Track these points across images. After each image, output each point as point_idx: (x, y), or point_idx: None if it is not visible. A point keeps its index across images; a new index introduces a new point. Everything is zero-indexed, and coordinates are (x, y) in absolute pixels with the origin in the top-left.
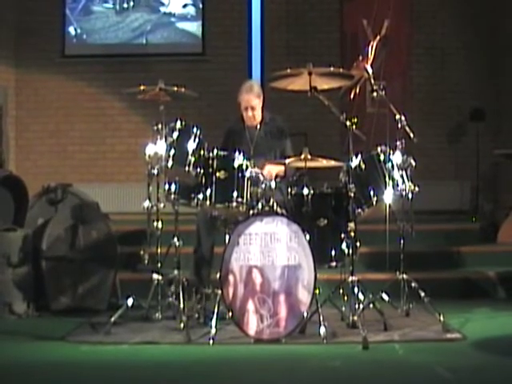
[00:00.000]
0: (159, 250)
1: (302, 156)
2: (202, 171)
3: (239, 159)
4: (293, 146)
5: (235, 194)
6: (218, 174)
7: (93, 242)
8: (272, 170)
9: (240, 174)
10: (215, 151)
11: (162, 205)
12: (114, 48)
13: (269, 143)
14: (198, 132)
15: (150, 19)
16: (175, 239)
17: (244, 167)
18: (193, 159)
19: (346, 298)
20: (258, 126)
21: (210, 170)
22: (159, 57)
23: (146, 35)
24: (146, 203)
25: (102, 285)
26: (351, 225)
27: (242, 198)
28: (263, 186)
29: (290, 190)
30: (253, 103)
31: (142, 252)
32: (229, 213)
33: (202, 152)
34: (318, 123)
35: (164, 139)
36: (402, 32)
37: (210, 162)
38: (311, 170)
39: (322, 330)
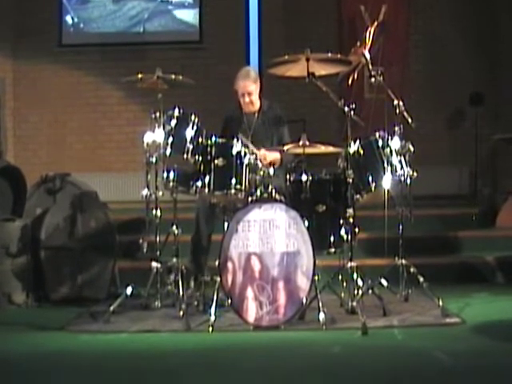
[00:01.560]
0: (158, 238)
1: (301, 142)
2: (200, 159)
3: (237, 146)
4: (291, 133)
5: (233, 181)
6: (216, 162)
7: (91, 232)
8: (267, 155)
9: (238, 161)
10: (213, 138)
11: (160, 193)
12: (111, 37)
13: (267, 131)
14: (196, 119)
15: (147, 7)
16: (174, 227)
17: (242, 154)
18: (191, 147)
19: (345, 284)
20: (256, 114)
21: (208, 157)
22: (156, 45)
23: (143, 23)
24: (145, 191)
25: (101, 274)
26: (350, 211)
27: (241, 185)
28: (262, 172)
29: (288, 176)
30: (249, 89)
31: (140, 240)
32: (227, 200)
33: (200, 139)
34: (316, 109)
35: (162, 127)
36: (399, 17)
37: (208, 149)
38: (309, 156)
39: (322, 316)
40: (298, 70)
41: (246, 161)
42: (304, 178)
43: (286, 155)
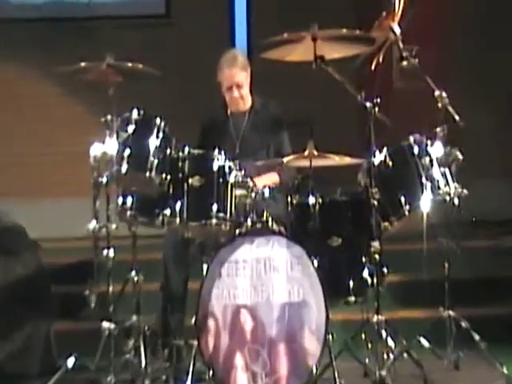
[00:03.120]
0: (111, 289)
1: (306, 152)
2: (168, 177)
3: (220, 160)
4: (292, 140)
5: (215, 207)
6: (191, 181)
7: (17, 281)
8: (261, 183)
9: (221, 180)
10: (186, 150)
11: (113, 226)
12: (42, 9)
13: (260, 137)
14: (163, 124)
15: None
16: (133, 273)
17: (227, 170)
18: (156, 161)
19: (370, 345)
20: (247, 115)
21: (181, 175)
22: (107, 20)
23: None
24: (92, 224)
25: (31, 340)
26: (375, 244)
27: (225, 212)
28: (253, 194)
29: (290, 199)
30: (238, 79)
31: (86, 292)
32: (207, 233)
33: (168, 151)
34: (326, 107)
35: (115, 135)
36: None
37: (180, 164)
38: (319, 170)
39: None
40: (302, 53)
41: (231, 178)
42: (311, 200)
43: (287, 171)
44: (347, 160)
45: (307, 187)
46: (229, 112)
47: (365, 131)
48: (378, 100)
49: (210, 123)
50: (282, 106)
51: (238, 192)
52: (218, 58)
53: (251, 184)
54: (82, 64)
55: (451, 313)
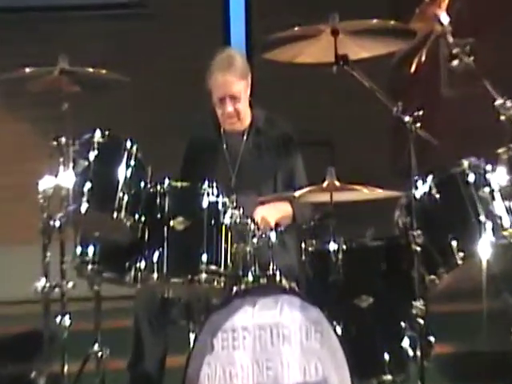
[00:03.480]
0: (66, 368)
1: (326, 183)
2: (143, 219)
3: (211, 195)
4: (307, 167)
5: (205, 257)
6: (172, 224)
7: None
8: (269, 214)
9: (213, 222)
10: (166, 182)
11: (69, 284)
12: None
13: (264, 164)
14: (135, 149)
15: None
16: (95, 346)
17: (220, 208)
18: (126, 198)
19: None
20: (245, 135)
21: (159, 215)
22: (61, 12)
23: None
24: (41, 283)
25: None
26: (418, 304)
27: (218, 264)
28: (255, 240)
29: (304, 245)
30: (234, 89)
31: (33, 374)
32: (194, 293)
33: (142, 184)
34: (351, 124)
35: (72, 164)
36: None
37: (159, 201)
38: (342, 207)
39: None
40: (318, 51)
41: (226, 219)
42: (333, 246)
43: (300, 207)
44: (379, 193)
45: (327, 229)
46: (222, 131)
47: (402, 154)
48: (421, 112)
49: (197, 146)
50: (293, 123)
51: (236, 237)
52: (208, 61)
53: (252, 226)
54: (28, 69)
55: None
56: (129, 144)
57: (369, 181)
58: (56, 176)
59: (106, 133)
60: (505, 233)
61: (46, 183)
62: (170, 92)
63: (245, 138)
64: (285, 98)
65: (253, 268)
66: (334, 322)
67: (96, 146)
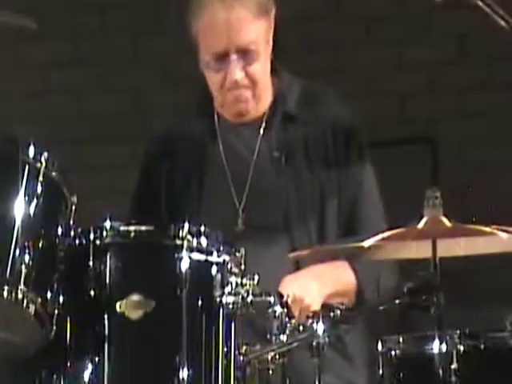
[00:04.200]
0: None
1: (423, 222)
2: (61, 299)
3: (196, 247)
4: (385, 189)
5: (185, 375)
6: (120, 308)
7: None
8: (311, 288)
9: (200, 303)
10: (108, 225)
11: None
12: None
13: (299, 183)
14: (44, 161)
15: None
16: None
17: (214, 274)
18: (27, 258)
19: None
20: (263, 126)
21: (93, 292)
22: None
23: None
24: None
25: None
26: None
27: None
28: (285, 338)
29: (381, 346)
30: (246, 35)
31: None
32: None
33: (59, 231)
34: (469, 102)
35: None
36: None
37: (93, 264)
38: (455, 270)
39: None
40: None
41: (227, 298)
42: (440, 347)
43: (373, 272)
44: None
45: (427, 314)
46: (217, 120)
47: None
48: None
49: (166, 152)
50: (358, 106)
51: (247, 332)
52: None
53: (278, 310)
54: None
55: None
56: (31, 152)
57: (503, 217)
58: None
59: None
60: None
61: None
62: (122, 60)
63: (261, 132)
64: (338, 57)
65: None
66: None
67: None
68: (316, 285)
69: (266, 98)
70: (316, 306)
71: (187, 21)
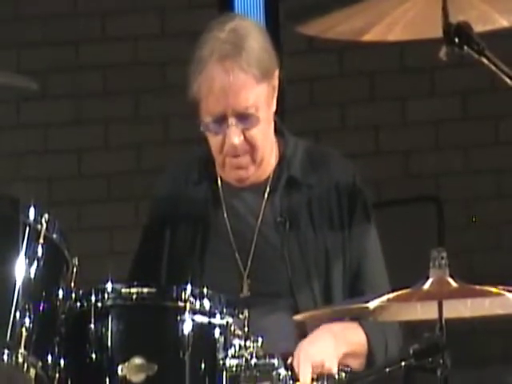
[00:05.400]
0: None
1: (429, 282)
2: (61, 363)
3: (199, 310)
4: (389, 250)
5: None
6: (122, 371)
7: None
8: (321, 352)
9: (203, 366)
10: (109, 287)
11: None
12: None
13: (305, 246)
14: (45, 223)
15: None
16: None
17: (217, 336)
18: (27, 322)
19: None
20: (268, 190)
21: (95, 355)
22: None
23: None
24: None
25: None
26: None
27: None
28: None
29: None
30: (245, 99)
31: None
32: None
33: (60, 294)
34: (476, 159)
35: None
36: None
37: (94, 326)
38: (462, 331)
39: None
40: (409, 21)
41: (230, 361)
42: None
43: (380, 334)
44: None
45: (433, 374)
46: (220, 184)
47: None
48: None
49: (168, 215)
50: (363, 165)
51: None
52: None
53: (283, 373)
54: None
55: None
56: (32, 214)
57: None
58: None
59: None
60: None
61: None
62: (124, 115)
63: (265, 196)
64: (340, 115)
65: None
66: None
67: None
68: (332, 346)
69: (269, 161)
70: (335, 369)
71: (188, 81)
